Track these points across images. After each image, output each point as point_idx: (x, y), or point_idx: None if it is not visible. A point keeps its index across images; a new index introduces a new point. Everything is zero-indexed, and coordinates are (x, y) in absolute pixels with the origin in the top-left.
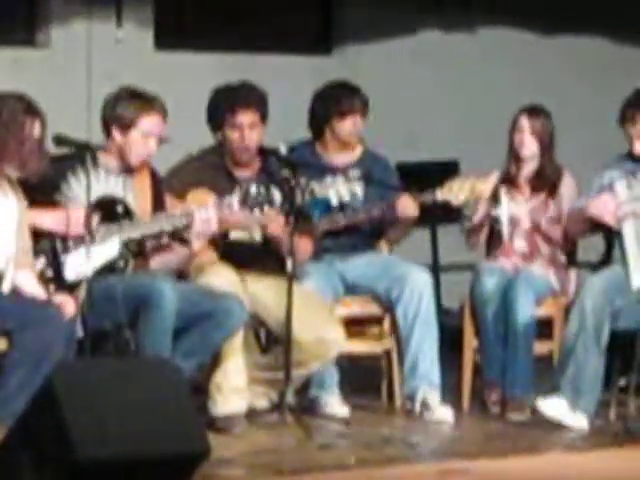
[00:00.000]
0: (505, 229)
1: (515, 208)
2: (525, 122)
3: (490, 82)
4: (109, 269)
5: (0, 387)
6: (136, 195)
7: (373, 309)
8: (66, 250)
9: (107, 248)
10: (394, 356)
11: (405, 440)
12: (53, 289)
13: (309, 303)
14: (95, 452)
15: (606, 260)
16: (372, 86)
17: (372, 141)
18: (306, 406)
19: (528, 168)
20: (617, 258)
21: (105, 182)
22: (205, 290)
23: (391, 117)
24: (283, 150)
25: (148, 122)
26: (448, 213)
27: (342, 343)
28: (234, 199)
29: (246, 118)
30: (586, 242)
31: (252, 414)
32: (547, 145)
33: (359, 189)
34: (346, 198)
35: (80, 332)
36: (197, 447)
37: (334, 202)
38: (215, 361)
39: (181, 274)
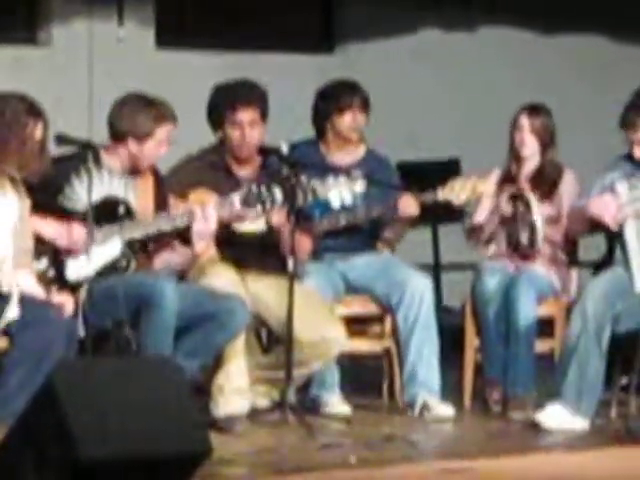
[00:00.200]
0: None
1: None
2: (525, 121)
3: (490, 81)
4: (111, 269)
5: (0, 386)
6: (139, 196)
7: (373, 308)
8: (68, 251)
9: (109, 248)
10: (394, 356)
11: (406, 439)
12: (55, 289)
13: (310, 302)
14: (96, 451)
15: (608, 260)
16: (373, 85)
17: (373, 140)
18: (307, 405)
19: (528, 167)
20: (619, 259)
21: (109, 183)
22: (208, 291)
23: (392, 116)
24: (284, 149)
25: (164, 131)
26: (449, 212)
27: (343, 342)
28: (235, 198)
29: (246, 116)
30: (587, 241)
31: (253, 413)
32: (547, 143)
33: (361, 189)
34: (348, 201)
35: (81, 331)
36: (198, 446)
37: (335, 204)
38: (217, 363)
39: (181, 275)
